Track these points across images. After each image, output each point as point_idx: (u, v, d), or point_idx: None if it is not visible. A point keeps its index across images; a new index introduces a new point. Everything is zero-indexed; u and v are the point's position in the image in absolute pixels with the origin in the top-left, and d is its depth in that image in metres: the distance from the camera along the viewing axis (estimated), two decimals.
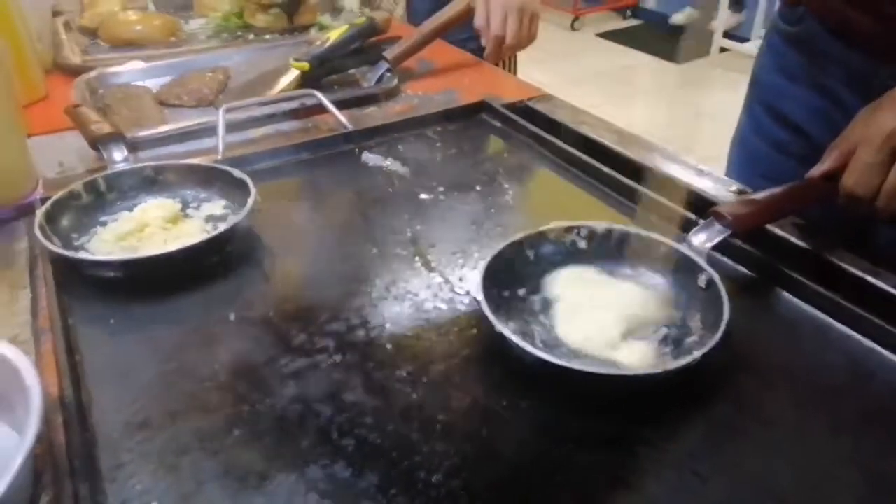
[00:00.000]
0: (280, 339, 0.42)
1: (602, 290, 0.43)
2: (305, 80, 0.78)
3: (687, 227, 0.48)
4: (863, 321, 0.41)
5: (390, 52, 0.81)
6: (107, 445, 0.35)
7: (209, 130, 0.65)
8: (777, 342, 0.42)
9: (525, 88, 0.78)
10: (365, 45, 0.83)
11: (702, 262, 0.42)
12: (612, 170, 0.59)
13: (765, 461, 0.34)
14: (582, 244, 0.45)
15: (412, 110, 0.74)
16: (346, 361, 0.40)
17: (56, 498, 0.31)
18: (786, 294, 0.45)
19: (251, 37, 0.99)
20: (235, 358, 0.41)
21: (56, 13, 1.02)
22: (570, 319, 0.41)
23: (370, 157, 0.64)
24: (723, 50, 2.97)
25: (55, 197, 0.51)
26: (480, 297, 0.39)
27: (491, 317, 0.38)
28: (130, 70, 0.85)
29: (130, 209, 0.54)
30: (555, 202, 0.60)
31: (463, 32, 0.87)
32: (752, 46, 2.76)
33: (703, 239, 0.43)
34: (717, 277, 0.40)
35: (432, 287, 0.47)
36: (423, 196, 0.58)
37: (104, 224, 0.52)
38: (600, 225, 0.46)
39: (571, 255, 0.45)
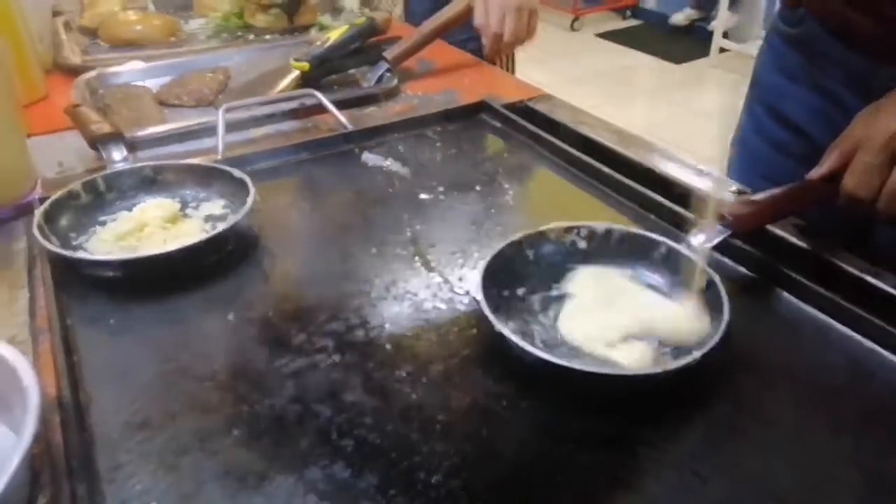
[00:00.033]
0: (279, 339, 0.42)
1: (622, 294, 0.42)
2: (305, 80, 0.78)
3: (687, 227, 0.48)
4: (863, 321, 0.41)
5: (390, 53, 0.81)
6: (105, 446, 0.35)
7: (209, 130, 0.65)
8: (777, 342, 0.42)
9: (525, 88, 0.78)
10: (365, 45, 0.83)
11: (702, 262, 0.42)
12: (611, 170, 0.58)
13: (765, 461, 0.34)
14: (582, 244, 0.45)
15: (412, 110, 0.74)
16: (345, 361, 0.40)
17: (54, 498, 0.31)
18: (786, 294, 0.45)
19: (251, 37, 0.99)
20: (234, 358, 0.41)
21: (56, 13, 1.02)
22: (575, 317, 0.41)
23: (370, 157, 0.64)
24: (722, 50, 2.97)
25: (54, 197, 0.51)
26: (480, 296, 0.39)
27: (490, 316, 0.38)
28: (130, 70, 0.85)
29: (129, 209, 0.54)
30: (554, 202, 0.60)
31: (463, 33, 0.87)
32: (752, 47, 2.76)
33: (703, 240, 0.43)
34: (717, 278, 0.40)
35: (432, 287, 0.46)
36: (423, 196, 0.58)
37: (103, 224, 0.52)
38: (600, 225, 0.45)
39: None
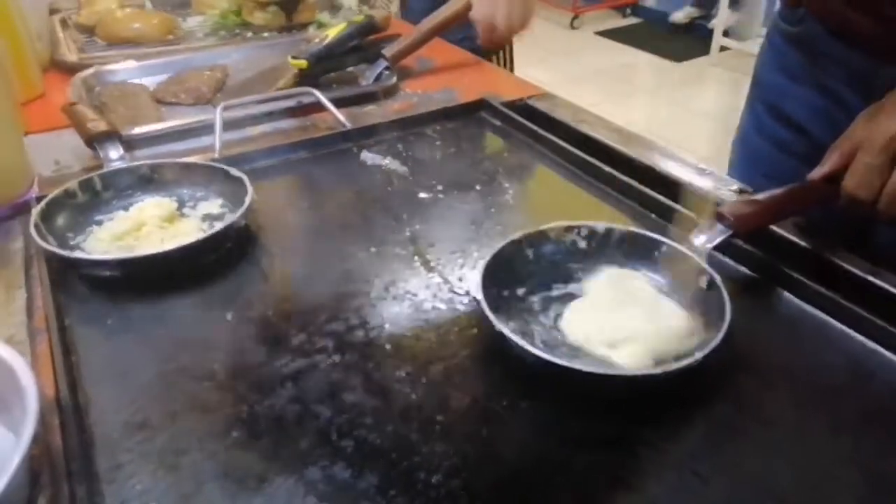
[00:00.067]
0: (278, 338, 0.42)
1: (632, 298, 0.41)
2: (304, 78, 0.77)
3: (688, 226, 0.48)
4: (863, 321, 0.41)
5: (389, 50, 0.80)
6: (105, 446, 0.35)
7: (206, 128, 0.64)
8: (777, 342, 0.42)
9: (524, 87, 0.78)
10: (364, 42, 0.83)
11: (703, 262, 0.42)
12: (611, 169, 0.58)
13: (765, 461, 0.34)
14: (582, 244, 0.45)
15: (411, 109, 0.73)
16: (345, 362, 0.40)
17: (53, 499, 0.31)
18: (787, 294, 0.45)
19: (249, 34, 0.99)
20: (234, 358, 0.40)
21: (53, 11, 1.01)
22: (577, 317, 0.41)
23: (369, 156, 0.64)
24: (723, 49, 2.97)
25: (51, 196, 0.51)
26: (480, 296, 0.39)
27: (491, 316, 0.37)
28: (127, 68, 0.85)
29: (126, 208, 0.53)
30: (554, 201, 0.60)
31: (462, 31, 0.87)
32: (752, 45, 2.75)
33: (704, 240, 0.43)
34: (718, 279, 0.40)
35: (431, 287, 0.46)
36: (422, 195, 0.58)
37: (100, 223, 0.52)
38: (600, 225, 0.45)
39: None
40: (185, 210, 0.54)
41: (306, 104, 0.71)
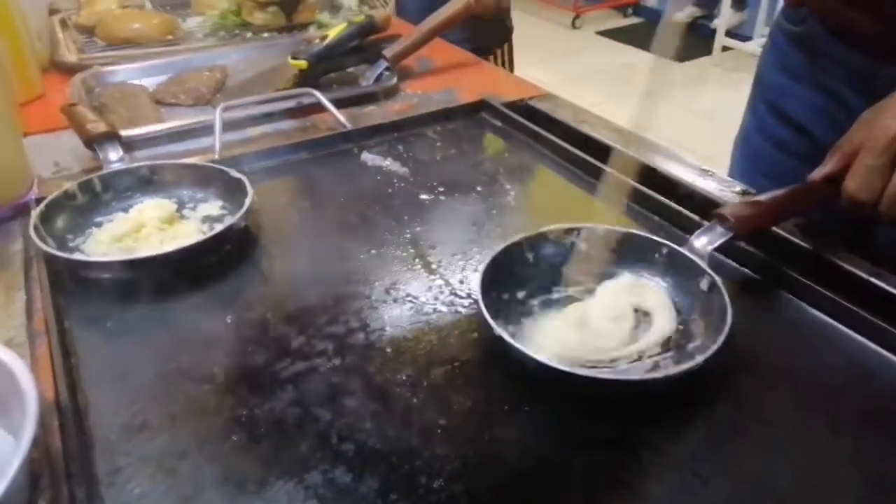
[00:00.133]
0: (278, 341, 0.42)
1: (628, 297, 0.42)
2: (304, 79, 0.77)
3: (689, 228, 0.48)
4: (864, 322, 0.41)
5: (389, 51, 0.80)
6: (104, 449, 0.35)
7: (206, 129, 0.64)
8: (778, 343, 0.42)
9: (525, 87, 0.78)
10: (364, 43, 0.83)
11: (704, 264, 0.41)
12: (613, 170, 0.58)
13: (765, 462, 0.34)
14: (582, 246, 0.45)
15: (412, 109, 0.73)
16: (345, 365, 0.40)
17: (53, 502, 0.31)
18: (787, 295, 0.45)
19: (249, 35, 0.99)
20: (233, 360, 0.40)
21: (53, 11, 1.01)
22: (575, 346, 0.40)
23: (369, 157, 0.64)
24: (725, 48, 2.96)
25: (50, 197, 0.50)
26: (479, 300, 0.38)
27: (490, 321, 0.37)
28: (127, 68, 0.84)
29: (126, 210, 0.53)
30: (556, 202, 0.60)
31: (462, 32, 0.87)
32: (755, 45, 2.75)
33: (704, 241, 0.43)
34: (719, 281, 0.40)
35: (433, 289, 0.46)
36: (423, 196, 0.58)
37: (99, 225, 0.52)
38: (601, 226, 0.45)
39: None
40: (185, 211, 0.54)
41: (306, 105, 0.71)
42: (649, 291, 0.43)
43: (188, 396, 0.38)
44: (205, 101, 0.77)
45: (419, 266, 0.49)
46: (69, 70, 0.83)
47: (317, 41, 0.80)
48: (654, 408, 0.36)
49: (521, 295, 0.43)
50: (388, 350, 0.41)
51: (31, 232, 0.46)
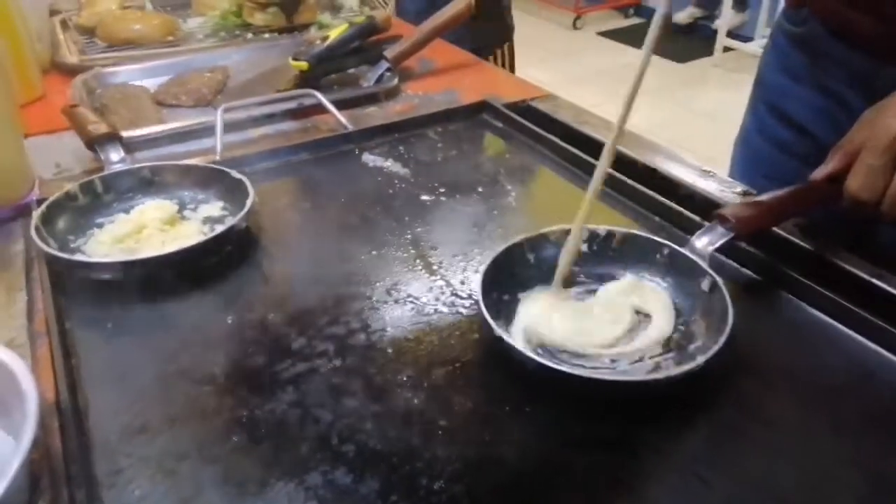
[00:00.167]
0: (279, 342, 0.42)
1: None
2: (304, 80, 0.77)
3: (690, 228, 0.48)
4: (865, 323, 0.41)
5: (390, 52, 0.80)
6: (104, 450, 0.34)
7: (207, 130, 0.64)
8: (779, 344, 0.42)
9: (526, 88, 0.78)
10: (365, 43, 0.83)
11: (705, 265, 0.41)
12: (613, 170, 0.58)
13: (767, 463, 0.34)
14: (583, 247, 0.45)
15: (412, 110, 0.73)
16: (346, 366, 0.40)
17: (53, 503, 0.31)
18: (789, 296, 0.44)
19: (250, 36, 0.99)
20: (234, 361, 0.40)
21: (53, 12, 1.01)
22: (571, 335, 0.40)
23: (370, 158, 0.64)
24: (726, 49, 2.96)
25: (51, 198, 0.51)
26: (480, 301, 0.38)
27: (490, 322, 0.37)
28: (128, 69, 0.85)
29: (127, 211, 0.53)
30: (557, 203, 0.60)
31: (462, 31, 0.87)
32: (756, 46, 2.74)
33: (705, 242, 0.43)
34: (720, 282, 0.40)
35: (433, 290, 0.46)
36: (424, 197, 0.58)
37: (101, 226, 0.52)
38: (601, 227, 0.45)
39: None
40: (186, 212, 0.54)
41: (307, 106, 0.71)
42: (650, 292, 0.42)
43: (189, 397, 0.38)
44: (206, 102, 0.78)
45: (420, 267, 0.49)
46: (70, 71, 0.83)
47: (318, 42, 0.80)
48: (655, 408, 0.36)
49: (521, 295, 0.43)
50: (389, 351, 0.41)
51: (33, 233, 0.46)
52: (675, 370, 0.36)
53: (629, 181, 0.57)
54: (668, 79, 2.92)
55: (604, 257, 0.45)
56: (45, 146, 0.65)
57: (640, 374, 0.38)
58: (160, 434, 0.35)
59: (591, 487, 0.33)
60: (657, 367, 0.38)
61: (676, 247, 0.43)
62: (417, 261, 0.49)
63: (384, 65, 0.80)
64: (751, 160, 0.67)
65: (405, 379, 0.39)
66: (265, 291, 0.48)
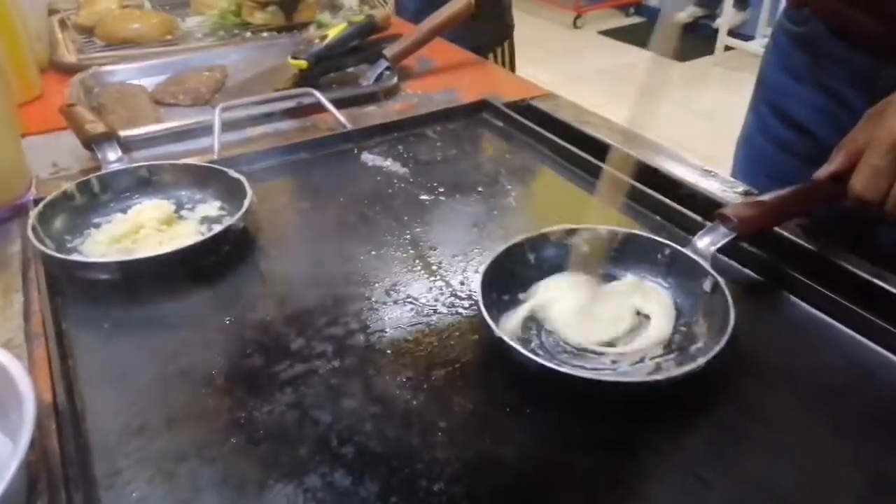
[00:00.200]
0: (277, 343, 0.41)
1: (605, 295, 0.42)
2: (303, 79, 0.77)
3: (692, 228, 0.48)
4: (866, 323, 0.41)
5: (390, 50, 0.80)
6: (102, 452, 0.34)
7: (205, 130, 0.64)
8: (780, 344, 0.42)
9: (526, 87, 0.78)
10: (364, 42, 0.83)
11: (707, 265, 0.41)
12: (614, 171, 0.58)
13: (768, 463, 0.33)
14: (584, 247, 0.45)
15: (412, 109, 0.73)
16: (345, 367, 0.39)
17: None
18: (790, 296, 0.44)
19: (248, 35, 0.99)
20: (232, 362, 0.40)
21: (52, 11, 1.01)
22: (571, 322, 0.40)
23: (369, 158, 0.64)
24: (727, 48, 2.95)
25: (48, 198, 0.50)
26: (480, 301, 0.38)
27: (490, 322, 0.37)
28: (126, 69, 0.84)
29: (124, 210, 0.53)
30: (557, 203, 0.60)
31: (461, 30, 0.87)
32: (757, 45, 2.74)
33: (707, 242, 0.43)
34: (722, 282, 0.40)
35: (433, 291, 0.46)
36: (424, 197, 0.58)
37: (98, 226, 0.52)
38: (603, 227, 0.45)
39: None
40: (184, 212, 0.54)
41: (306, 105, 0.70)
42: (651, 293, 0.42)
43: (187, 398, 0.37)
44: (204, 102, 0.77)
45: (419, 267, 0.49)
46: (68, 70, 0.83)
47: (317, 41, 0.80)
48: (656, 409, 0.36)
49: (522, 296, 0.43)
50: (389, 352, 0.41)
51: (30, 233, 0.46)
52: (676, 371, 0.35)
53: (630, 181, 0.56)
54: (670, 78, 2.91)
55: (604, 257, 0.45)
56: (43, 145, 0.65)
57: (640, 375, 0.38)
58: (158, 435, 0.35)
59: (592, 488, 0.32)
60: (658, 368, 0.38)
61: (678, 247, 0.43)
62: (417, 261, 0.49)
63: (383, 64, 0.79)
64: (753, 160, 0.67)
65: (404, 380, 0.38)
66: (263, 292, 0.47)
